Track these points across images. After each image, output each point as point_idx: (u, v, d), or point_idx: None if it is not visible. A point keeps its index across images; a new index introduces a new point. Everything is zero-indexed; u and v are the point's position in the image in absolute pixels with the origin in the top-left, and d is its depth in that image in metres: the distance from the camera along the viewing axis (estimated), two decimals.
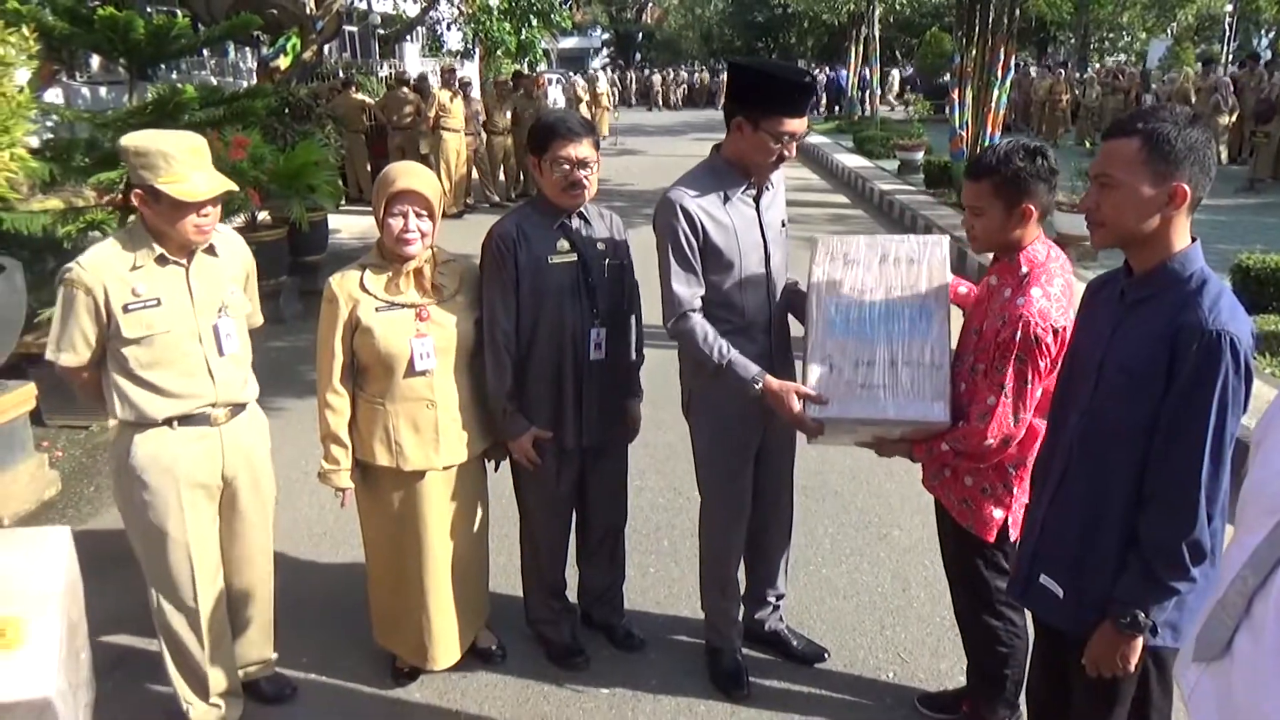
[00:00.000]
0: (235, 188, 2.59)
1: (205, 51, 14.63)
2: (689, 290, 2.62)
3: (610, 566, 3.23)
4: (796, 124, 2.54)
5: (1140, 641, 1.84)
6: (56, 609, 1.31)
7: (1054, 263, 2.35)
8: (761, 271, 2.70)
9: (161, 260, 2.51)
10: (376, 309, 2.66)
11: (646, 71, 41.75)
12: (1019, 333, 2.22)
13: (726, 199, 2.64)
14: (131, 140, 2.42)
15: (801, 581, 3.63)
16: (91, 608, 3.41)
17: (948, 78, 17.05)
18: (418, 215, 2.62)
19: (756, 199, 2.70)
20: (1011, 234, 2.34)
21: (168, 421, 2.55)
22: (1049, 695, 2.21)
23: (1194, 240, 1.83)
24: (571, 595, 3.27)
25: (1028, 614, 2.49)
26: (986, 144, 12.16)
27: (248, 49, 16.01)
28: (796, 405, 2.50)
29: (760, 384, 2.55)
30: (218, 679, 2.77)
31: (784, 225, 2.81)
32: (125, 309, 2.45)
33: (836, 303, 2.54)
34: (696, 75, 40.00)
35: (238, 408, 2.69)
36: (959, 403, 2.40)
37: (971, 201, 2.37)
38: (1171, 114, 1.79)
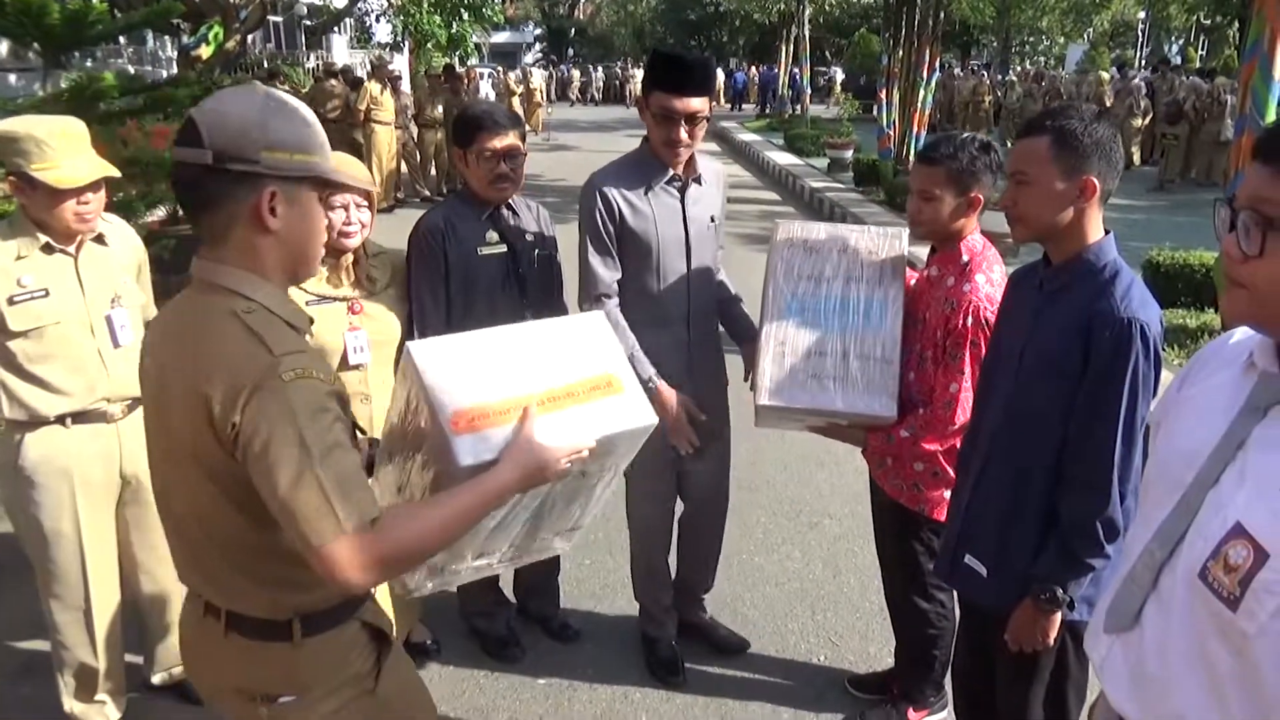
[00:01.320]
0: (116, 173, 2.48)
1: (122, 39, 14.16)
2: (605, 272, 2.66)
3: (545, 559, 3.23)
4: (679, 102, 2.52)
5: (1059, 616, 1.92)
6: (625, 362, 1.78)
7: (990, 251, 2.44)
8: (681, 264, 2.71)
9: (48, 249, 2.41)
10: (307, 303, 2.62)
11: (565, 68, 41.31)
12: (970, 318, 2.30)
13: (649, 188, 2.67)
14: (2, 126, 2.33)
15: (735, 569, 3.68)
16: None
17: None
18: (358, 206, 2.59)
19: (681, 190, 2.70)
20: (957, 222, 2.40)
21: (60, 419, 2.45)
22: (974, 671, 2.28)
23: (1107, 233, 1.92)
24: (506, 588, 3.27)
25: (955, 597, 2.58)
26: (914, 143, 12.48)
27: (167, 37, 15.53)
28: (678, 416, 2.64)
29: (654, 386, 2.59)
30: (105, 678, 2.70)
31: (713, 221, 2.81)
32: (11, 301, 2.34)
33: (794, 289, 2.54)
34: (625, 71, 39.88)
35: (135, 402, 2.59)
36: (905, 394, 2.46)
37: (923, 186, 2.41)
38: (1079, 112, 1.88)
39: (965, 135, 2.45)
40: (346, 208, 2.57)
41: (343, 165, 2.61)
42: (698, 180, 2.74)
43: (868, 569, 3.63)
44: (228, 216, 1.38)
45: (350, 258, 2.65)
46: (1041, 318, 1.94)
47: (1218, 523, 1.14)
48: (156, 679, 2.89)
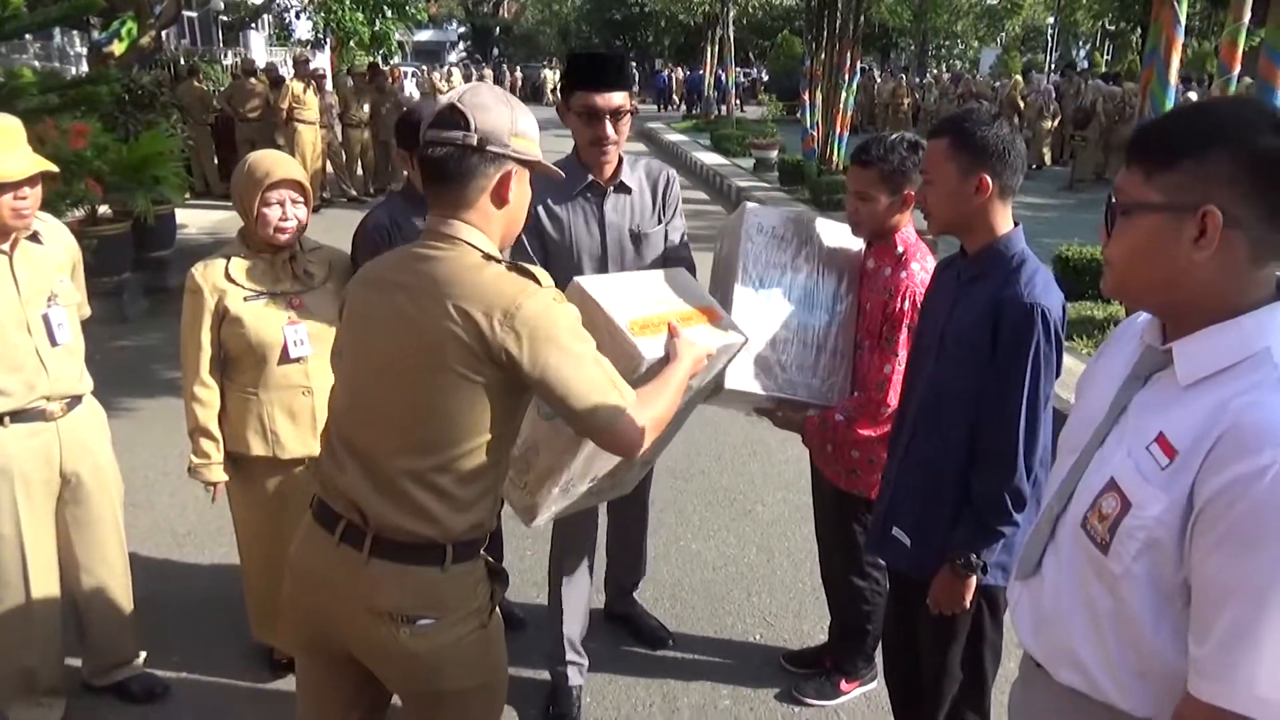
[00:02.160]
0: (53, 168, 2.48)
1: (27, 34, 13.66)
2: None
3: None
4: (597, 98, 2.48)
5: (974, 580, 2.07)
6: (713, 299, 2.31)
7: (922, 244, 2.60)
8: (596, 271, 2.63)
9: None
10: (245, 298, 2.64)
11: (474, 70, 40.61)
12: (907, 302, 2.44)
13: (568, 195, 2.60)
14: None
15: (673, 557, 3.79)
16: None
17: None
18: (294, 202, 2.62)
19: (601, 198, 2.63)
20: (892, 219, 2.54)
21: None
22: (899, 635, 2.43)
23: (1016, 225, 2.08)
24: None
25: (886, 573, 2.72)
26: (837, 143, 12.79)
27: (76, 33, 15.00)
28: None
29: None
30: (44, 678, 2.69)
31: (636, 232, 2.69)
32: None
33: (761, 275, 2.55)
34: (543, 71, 39.63)
35: (74, 400, 2.60)
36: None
37: (858, 187, 2.54)
38: (976, 116, 2.05)
39: (895, 136, 2.56)
40: (282, 203, 2.60)
41: (276, 162, 2.65)
42: (623, 189, 2.66)
43: (799, 552, 3.78)
44: (478, 188, 1.66)
45: (287, 253, 2.68)
46: (958, 305, 2.08)
47: (1098, 478, 1.29)
48: (96, 680, 2.87)
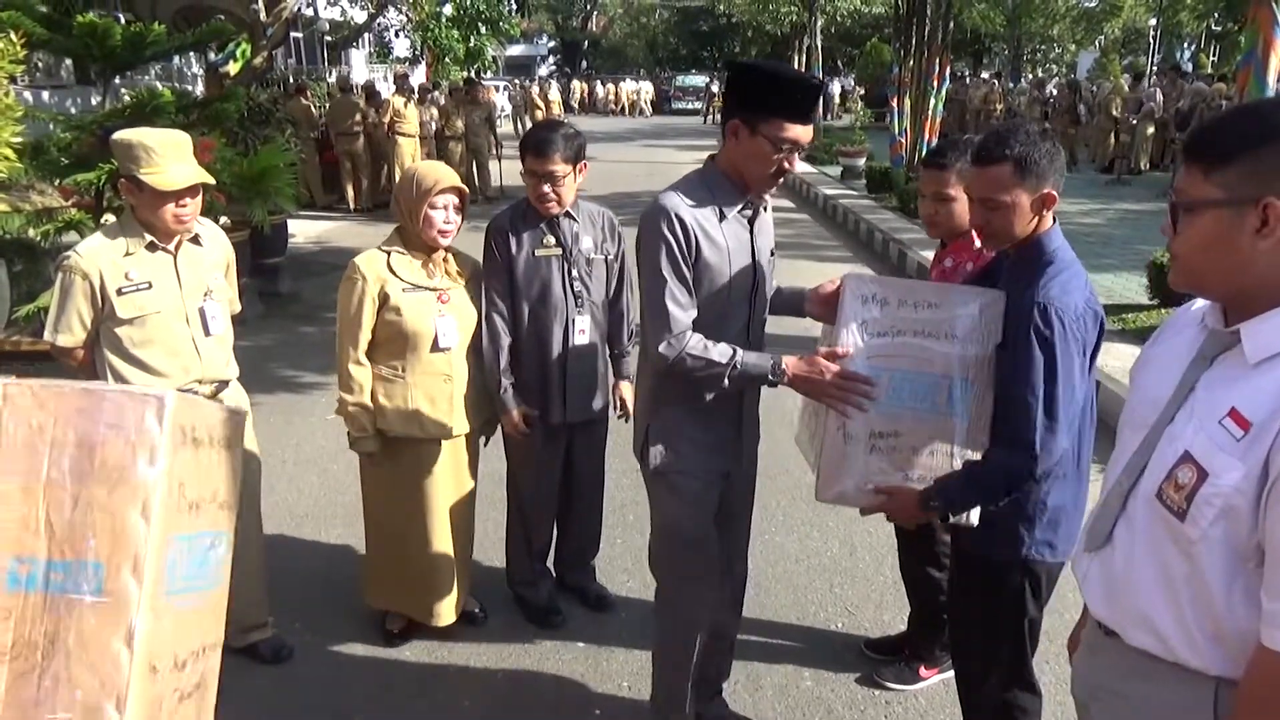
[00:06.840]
0: (211, 180, 2.80)
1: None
2: (684, 313, 2.26)
3: (586, 535, 3.51)
4: (800, 131, 2.19)
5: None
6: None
7: None
8: (745, 304, 2.38)
9: (151, 247, 2.73)
10: (404, 290, 2.90)
11: (569, 81, 40.97)
12: None
13: (722, 216, 2.28)
14: (119, 135, 2.66)
15: (757, 549, 3.89)
16: None
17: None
18: (455, 208, 2.90)
19: (751, 220, 2.36)
20: (969, 218, 2.65)
21: None
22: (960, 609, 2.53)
23: (1054, 223, 2.14)
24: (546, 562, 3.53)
25: None
26: (925, 150, 12.70)
27: (193, 54, 15.92)
28: (834, 367, 2.15)
29: (785, 367, 2.22)
30: None
31: (772, 255, 2.48)
32: (119, 292, 2.66)
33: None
34: (631, 84, 39.89)
35: (222, 384, 2.92)
36: None
37: (935, 190, 2.66)
38: (1027, 134, 2.08)
39: (967, 138, 2.67)
40: (446, 209, 2.88)
41: (443, 173, 2.91)
42: (764, 206, 2.41)
43: (881, 546, 3.88)
44: None
45: (442, 253, 2.96)
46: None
47: (1171, 452, 1.39)
48: (232, 642, 3.14)
